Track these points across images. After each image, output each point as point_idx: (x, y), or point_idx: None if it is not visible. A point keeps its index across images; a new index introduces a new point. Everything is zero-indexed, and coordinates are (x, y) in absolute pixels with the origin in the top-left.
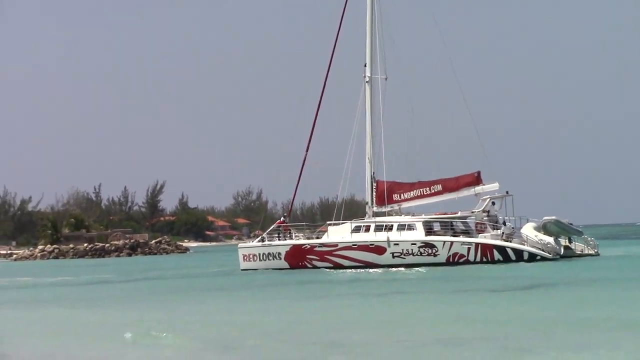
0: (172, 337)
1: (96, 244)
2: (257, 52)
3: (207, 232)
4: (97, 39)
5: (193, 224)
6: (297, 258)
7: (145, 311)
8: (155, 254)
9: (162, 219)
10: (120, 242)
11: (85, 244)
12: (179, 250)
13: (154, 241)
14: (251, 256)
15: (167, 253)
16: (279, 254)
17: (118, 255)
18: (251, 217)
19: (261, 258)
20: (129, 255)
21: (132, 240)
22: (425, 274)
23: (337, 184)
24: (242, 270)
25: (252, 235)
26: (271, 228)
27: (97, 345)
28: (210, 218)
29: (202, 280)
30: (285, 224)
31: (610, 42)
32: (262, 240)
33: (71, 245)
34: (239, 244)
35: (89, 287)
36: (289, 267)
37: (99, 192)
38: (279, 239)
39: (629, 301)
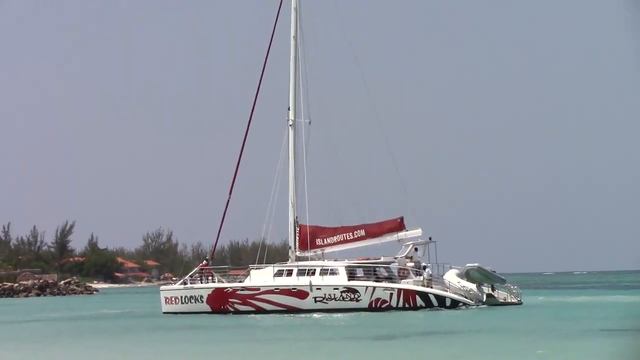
0: None
1: (4, 283)
2: (177, 90)
3: (117, 274)
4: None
5: (102, 265)
6: (220, 301)
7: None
8: (64, 294)
9: (71, 259)
10: (29, 282)
11: None
12: (88, 292)
13: (62, 282)
14: (173, 299)
15: (75, 294)
16: (201, 297)
17: (27, 296)
18: (160, 259)
19: (183, 301)
20: (38, 295)
21: (41, 281)
22: (343, 321)
23: (258, 227)
24: (164, 313)
25: (161, 277)
26: (194, 271)
27: None
28: (119, 259)
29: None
30: (207, 267)
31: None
32: (184, 283)
33: None
34: (161, 287)
35: None
36: (211, 310)
37: (8, 231)
38: (202, 282)
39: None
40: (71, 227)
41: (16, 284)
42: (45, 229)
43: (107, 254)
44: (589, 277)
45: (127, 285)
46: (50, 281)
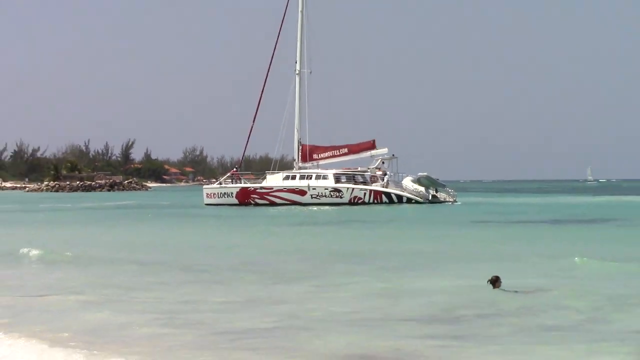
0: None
1: (85, 182)
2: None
3: (164, 177)
4: None
5: (154, 170)
6: (244, 197)
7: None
8: (127, 190)
9: (132, 165)
10: (103, 181)
11: (78, 182)
12: (144, 189)
13: (126, 181)
14: (212, 194)
15: (135, 190)
16: (232, 193)
17: (101, 190)
18: (195, 167)
19: (219, 196)
20: (108, 190)
21: (110, 180)
22: (330, 212)
23: (270, 145)
24: (205, 204)
25: (195, 180)
26: (227, 175)
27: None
28: (166, 166)
29: (152, 210)
30: (236, 172)
31: None
32: (220, 183)
33: (67, 182)
34: (204, 186)
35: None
36: (238, 203)
37: (88, 145)
38: (232, 183)
39: (426, 237)
40: (132, 143)
41: (93, 182)
42: (114, 144)
43: (157, 162)
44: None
45: (170, 185)
46: (117, 181)
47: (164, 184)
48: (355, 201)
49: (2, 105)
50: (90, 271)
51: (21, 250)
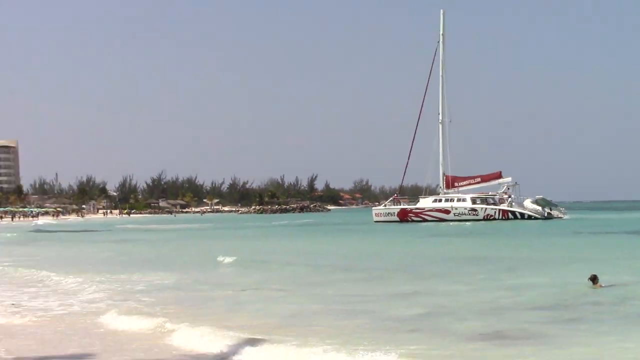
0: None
1: (282, 206)
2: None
3: (340, 201)
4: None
5: (332, 197)
6: (403, 215)
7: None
8: (312, 212)
9: (315, 193)
10: (295, 205)
11: (276, 206)
12: (325, 210)
13: (312, 205)
14: (379, 214)
15: (318, 211)
16: (394, 212)
17: (293, 212)
18: (362, 193)
19: (384, 215)
20: (299, 212)
21: (300, 204)
22: (469, 226)
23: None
24: (374, 222)
25: (363, 203)
26: (390, 199)
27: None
28: (341, 193)
29: (334, 227)
30: (397, 197)
31: None
32: (385, 205)
33: (269, 207)
34: (373, 208)
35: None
36: (399, 220)
37: (283, 179)
38: (394, 205)
39: (543, 244)
40: (316, 176)
41: (287, 206)
42: (302, 178)
43: (334, 190)
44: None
45: (345, 207)
46: (305, 205)
47: (340, 207)
48: (488, 218)
49: (220, 148)
50: (275, 273)
51: (219, 258)
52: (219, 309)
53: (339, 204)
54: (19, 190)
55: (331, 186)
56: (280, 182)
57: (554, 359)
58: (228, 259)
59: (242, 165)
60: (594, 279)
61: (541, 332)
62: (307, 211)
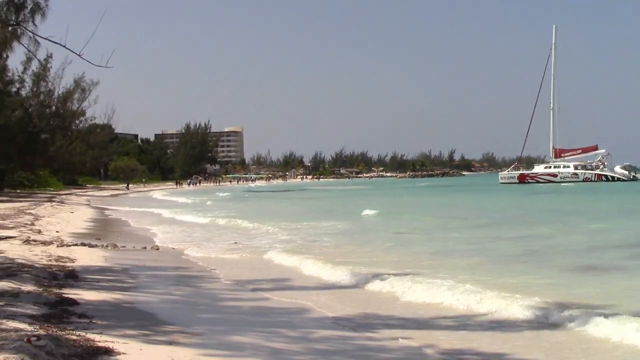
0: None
1: (429, 172)
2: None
3: (472, 169)
4: None
5: (466, 165)
6: (522, 178)
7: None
8: (450, 176)
9: (453, 162)
10: (439, 172)
11: (424, 172)
12: (460, 175)
13: (450, 171)
14: (504, 177)
15: (455, 176)
16: (514, 176)
17: (437, 177)
18: (489, 162)
19: (507, 178)
20: (441, 177)
21: (442, 171)
22: (572, 186)
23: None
24: (500, 183)
25: (489, 170)
26: (512, 166)
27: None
28: (473, 162)
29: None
30: (517, 165)
31: None
32: (508, 171)
33: (419, 172)
34: (499, 172)
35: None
36: (518, 182)
37: (430, 152)
38: (515, 170)
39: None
40: (454, 150)
41: (433, 172)
42: (445, 151)
43: (468, 160)
44: None
45: (475, 173)
46: (445, 171)
47: (472, 173)
48: (586, 180)
49: (384, 129)
50: (415, 222)
51: (363, 212)
52: (355, 249)
53: (471, 171)
54: (242, 162)
55: (465, 157)
56: (428, 155)
57: (636, 286)
58: (370, 211)
59: (401, 141)
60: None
61: (623, 265)
62: (447, 176)
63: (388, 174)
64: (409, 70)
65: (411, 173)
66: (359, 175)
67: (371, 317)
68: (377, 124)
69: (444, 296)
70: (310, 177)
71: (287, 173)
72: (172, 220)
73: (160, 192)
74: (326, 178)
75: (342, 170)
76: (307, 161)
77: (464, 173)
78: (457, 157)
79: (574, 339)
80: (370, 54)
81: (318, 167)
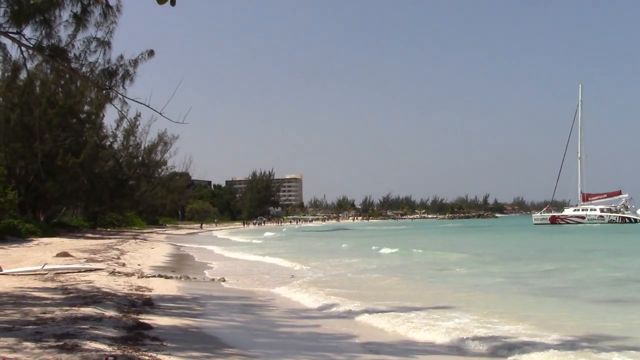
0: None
1: (465, 214)
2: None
3: (504, 211)
4: None
5: (498, 208)
6: (553, 220)
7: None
8: (485, 218)
9: (487, 206)
10: (474, 213)
11: (461, 214)
12: (493, 217)
13: (485, 213)
14: (538, 219)
15: (489, 218)
16: (547, 218)
17: (473, 218)
18: (519, 205)
19: (540, 219)
20: (476, 218)
21: (477, 213)
22: (598, 226)
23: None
24: (534, 224)
25: (519, 212)
26: (543, 209)
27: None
28: (504, 206)
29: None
30: (549, 207)
31: None
32: (541, 213)
33: (456, 214)
34: (533, 215)
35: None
36: (550, 223)
37: (467, 196)
38: (547, 213)
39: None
40: (487, 195)
41: (469, 214)
42: (479, 195)
43: (500, 204)
44: None
45: (507, 215)
46: (480, 213)
47: (503, 215)
48: (611, 222)
49: (426, 176)
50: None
51: (380, 250)
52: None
53: (503, 213)
54: (301, 205)
55: (497, 201)
56: (465, 199)
57: None
58: (388, 250)
59: (441, 187)
60: None
61: None
62: (481, 218)
63: (430, 216)
64: (447, 124)
65: (450, 215)
66: (404, 217)
67: (410, 343)
68: (420, 171)
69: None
70: (360, 218)
71: (340, 215)
72: (233, 258)
73: (225, 231)
74: (374, 219)
75: (389, 212)
76: (357, 204)
77: (497, 215)
78: (490, 200)
79: None
80: (412, 110)
81: (367, 210)
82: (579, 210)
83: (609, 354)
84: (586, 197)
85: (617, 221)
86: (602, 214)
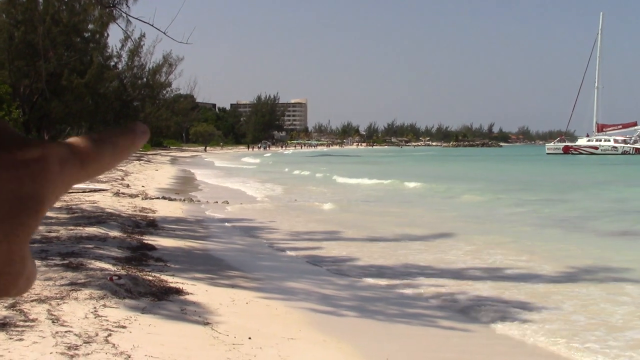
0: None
1: (470, 142)
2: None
3: (508, 140)
4: None
5: (503, 137)
6: (566, 149)
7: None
8: (489, 147)
9: (492, 134)
10: (478, 142)
11: (465, 143)
12: (498, 146)
13: (489, 142)
14: (550, 148)
15: (492, 147)
16: (560, 147)
17: (477, 147)
18: (524, 135)
19: (553, 149)
20: (481, 147)
21: (482, 142)
22: (612, 157)
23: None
24: (546, 153)
25: (524, 142)
26: (557, 139)
27: None
28: (510, 135)
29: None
30: (562, 137)
31: None
32: (554, 143)
33: (461, 143)
34: (546, 145)
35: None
36: (563, 153)
37: (472, 124)
38: (560, 143)
39: None
40: (492, 124)
41: (473, 143)
42: (485, 124)
43: (504, 133)
44: None
45: (511, 144)
46: (484, 142)
47: (508, 144)
48: (625, 153)
49: (432, 103)
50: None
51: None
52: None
53: (507, 142)
54: (305, 130)
55: (502, 130)
56: (470, 127)
57: None
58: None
59: (447, 114)
60: None
61: None
62: (486, 146)
63: (434, 144)
64: (454, 47)
65: (454, 143)
66: (408, 144)
67: (410, 267)
68: (426, 97)
69: None
70: (364, 144)
71: (344, 140)
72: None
73: (225, 155)
74: (379, 146)
75: (393, 139)
76: (362, 130)
77: (501, 144)
78: (495, 129)
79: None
80: (421, 35)
81: (372, 136)
82: (592, 140)
83: (607, 284)
84: (601, 128)
85: (631, 152)
86: (616, 144)
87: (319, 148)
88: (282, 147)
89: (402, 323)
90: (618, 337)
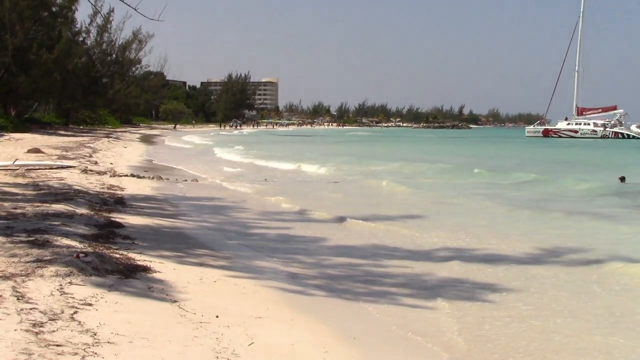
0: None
1: (440, 124)
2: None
3: (478, 122)
4: None
5: (473, 119)
6: (546, 132)
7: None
8: (458, 129)
9: (462, 116)
10: (449, 124)
11: (436, 124)
12: (468, 128)
13: (459, 124)
14: (530, 131)
15: (462, 129)
16: (539, 131)
17: (447, 129)
18: (494, 117)
19: (533, 132)
20: (451, 128)
21: (452, 123)
22: (590, 141)
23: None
24: (526, 136)
25: (494, 124)
26: (537, 122)
27: None
28: (480, 117)
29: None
30: (542, 120)
31: None
32: (534, 126)
33: (431, 124)
34: (526, 128)
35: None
36: (542, 136)
37: (442, 106)
38: (540, 126)
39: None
40: (463, 106)
41: (443, 124)
42: (455, 106)
43: (475, 115)
44: None
45: (481, 127)
46: (455, 124)
47: (478, 126)
48: (604, 137)
49: (402, 85)
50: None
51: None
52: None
53: (477, 124)
54: (276, 109)
55: (473, 112)
56: (440, 109)
57: (620, 232)
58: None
59: (417, 95)
60: (622, 178)
61: (608, 213)
62: (456, 128)
63: (404, 124)
64: (426, 28)
65: (425, 124)
66: (379, 125)
67: (378, 247)
68: (397, 78)
69: None
70: (335, 124)
71: (315, 120)
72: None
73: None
74: (349, 126)
75: (364, 120)
76: (333, 110)
77: (471, 126)
78: (465, 111)
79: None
80: (393, 15)
81: (343, 116)
82: (572, 124)
83: (573, 267)
84: (581, 112)
85: (610, 136)
86: (595, 128)
87: (290, 127)
88: (253, 125)
89: (369, 302)
90: (582, 316)
